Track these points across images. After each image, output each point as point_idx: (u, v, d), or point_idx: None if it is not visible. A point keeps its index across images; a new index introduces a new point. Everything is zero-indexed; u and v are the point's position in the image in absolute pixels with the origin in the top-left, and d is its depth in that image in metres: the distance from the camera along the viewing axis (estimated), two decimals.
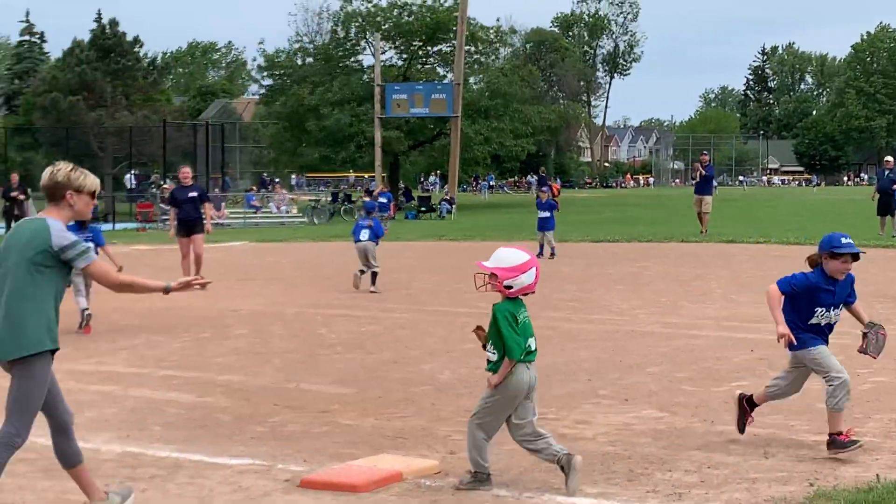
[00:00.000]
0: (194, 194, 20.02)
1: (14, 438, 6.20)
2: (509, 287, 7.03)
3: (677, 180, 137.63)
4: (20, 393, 6.16)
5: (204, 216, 20.29)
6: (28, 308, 6.10)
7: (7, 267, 6.19)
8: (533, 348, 7.14)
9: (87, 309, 14.49)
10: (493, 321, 7.07)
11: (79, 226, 16.11)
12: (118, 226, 44.67)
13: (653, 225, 38.55)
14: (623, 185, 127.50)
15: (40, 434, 8.67)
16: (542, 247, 25.76)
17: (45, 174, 6.32)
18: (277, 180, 74.39)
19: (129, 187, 62.44)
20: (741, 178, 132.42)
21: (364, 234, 19.75)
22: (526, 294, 7.16)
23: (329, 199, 59.64)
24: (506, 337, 6.99)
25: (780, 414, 9.20)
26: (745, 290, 18.45)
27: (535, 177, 69.25)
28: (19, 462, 7.87)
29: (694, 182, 33.79)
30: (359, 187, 76.26)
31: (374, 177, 56.83)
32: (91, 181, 6.39)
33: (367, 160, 59.99)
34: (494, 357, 7.09)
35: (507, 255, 7.09)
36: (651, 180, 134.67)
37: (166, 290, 6.50)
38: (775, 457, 7.90)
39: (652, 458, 7.85)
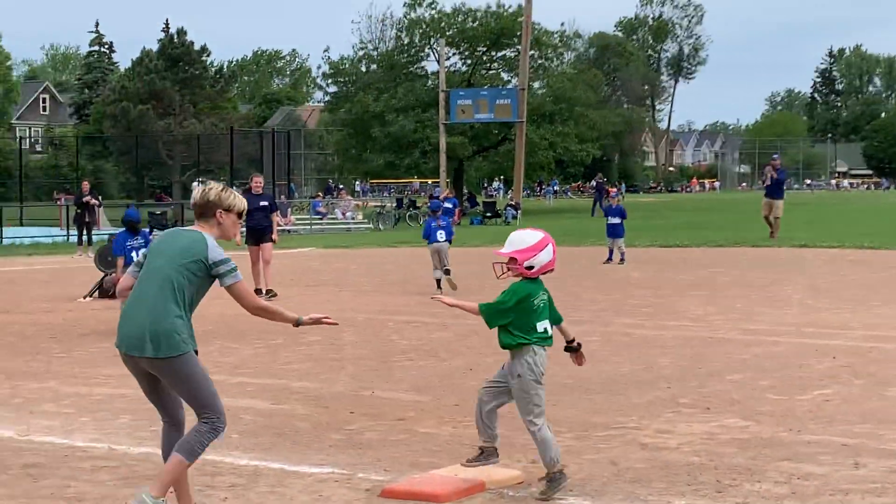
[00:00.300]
0: (265, 203, 20.02)
1: (216, 423, 6.35)
2: (531, 267, 7.11)
3: (744, 184, 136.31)
4: (191, 390, 6.34)
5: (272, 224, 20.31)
6: (173, 310, 6.26)
7: (154, 267, 6.39)
8: (549, 333, 7.22)
9: None
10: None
11: (132, 232, 16.33)
12: None
13: (722, 230, 38.12)
14: (688, 189, 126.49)
15: (123, 442, 8.71)
16: (611, 252, 25.55)
17: (197, 193, 6.57)
18: (342, 187, 74.74)
19: None
20: (808, 181, 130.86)
21: (441, 235, 19.80)
22: (546, 272, 7.20)
23: (394, 204, 59.72)
24: (497, 302, 7.11)
25: (868, 423, 8.98)
26: (823, 296, 18.14)
27: (595, 183, 68.72)
28: (101, 470, 7.88)
29: (764, 185, 33.36)
30: (423, 193, 76.38)
31: (437, 182, 56.81)
32: (240, 202, 6.60)
33: (431, 166, 60.06)
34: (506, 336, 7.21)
35: (522, 237, 7.21)
36: (717, 184, 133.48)
37: (297, 323, 6.69)
38: (867, 467, 7.67)
39: (739, 469, 7.65)
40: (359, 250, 33.58)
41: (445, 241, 19.82)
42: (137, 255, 15.76)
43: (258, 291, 18.85)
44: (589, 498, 7.02)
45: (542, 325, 7.14)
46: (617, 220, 25.59)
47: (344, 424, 9.28)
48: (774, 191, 32.05)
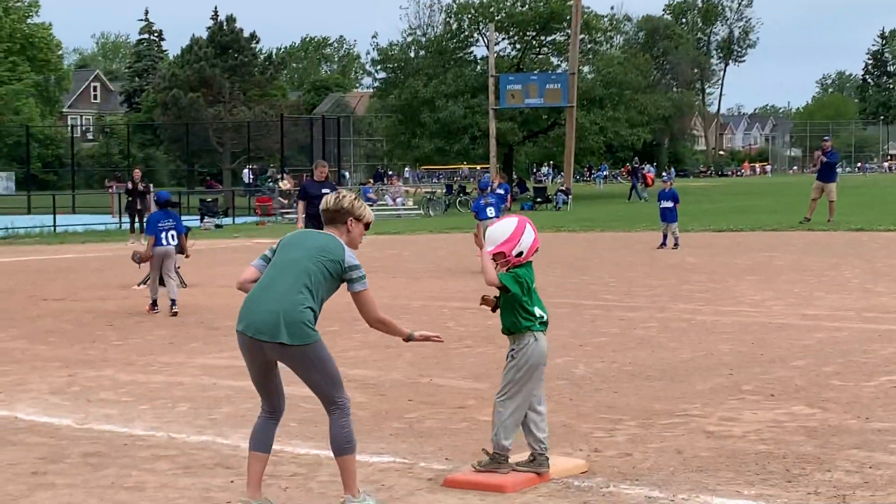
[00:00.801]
0: (327, 191, 19.87)
1: (347, 403, 6.57)
2: (520, 254, 7.19)
3: (795, 168, 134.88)
4: (323, 375, 6.50)
5: None
6: (307, 300, 6.38)
7: (289, 259, 6.52)
8: (546, 318, 7.24)
9: (173, 298, 15.96)
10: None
11: (164, 211, 16.56)
12: (238, 220, 45.18)
13: (775, 214, 37.65)
14: (739, 173, 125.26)
15: (183, 431, 8.68)
16: (665, 237, 25.31)
17: (331, 199, 6.70)
18: (391, 173, 74.74)
19: (245, 182, 63.29)
20: (858, 164, 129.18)
21: (490, 212, 20.48)
22: (534, 253, 7.26)
23: (444, 191, 59.56)
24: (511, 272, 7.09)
25: None
26: (883, 280, 17.84)
27: (631, 167, 68.09)
28: (161, 459, 7.84)
29: (815, 169, 32.85)
30: (472, 179, 76.20)
31: (487, 168, 56.57)
32: (369, 213, 6.82)
33: (480, 152, 59.81)
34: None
35: (501, 230, 7.25)
36: (768, 168, 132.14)
37: (408, 338, 6.91)
38: None
39: (809, 458, 7.49)
40: (410, 236, 33.51)
41: (495, 216, 20.22)
42: (167, 235, 16.13)
43: None
44: (656, 487, 6.89)
45: (538, 311, 7.18)
46: (670, 205, 25.33)
47: (403, 413, 9.21)
48: (826, 174, 31.57)
